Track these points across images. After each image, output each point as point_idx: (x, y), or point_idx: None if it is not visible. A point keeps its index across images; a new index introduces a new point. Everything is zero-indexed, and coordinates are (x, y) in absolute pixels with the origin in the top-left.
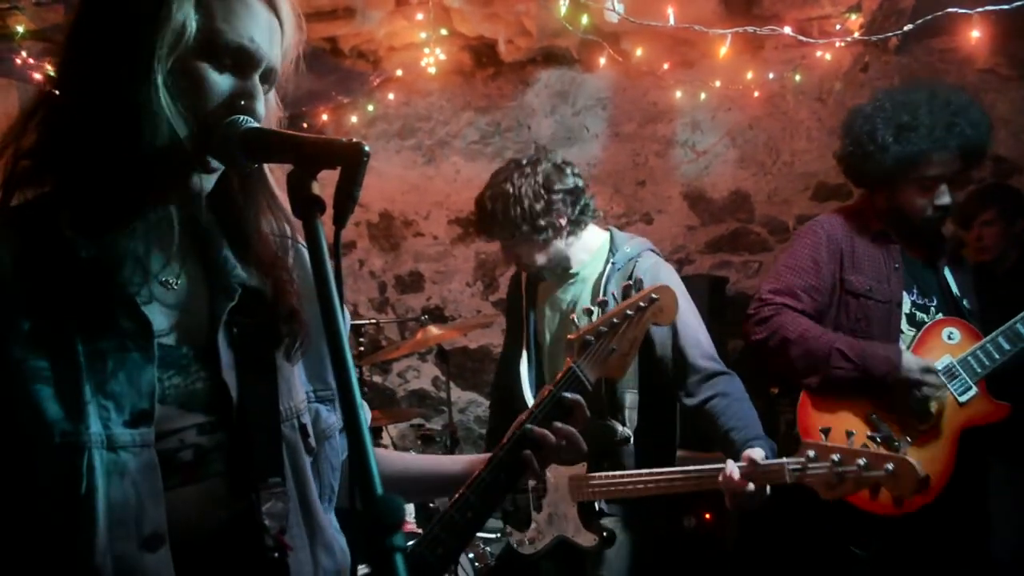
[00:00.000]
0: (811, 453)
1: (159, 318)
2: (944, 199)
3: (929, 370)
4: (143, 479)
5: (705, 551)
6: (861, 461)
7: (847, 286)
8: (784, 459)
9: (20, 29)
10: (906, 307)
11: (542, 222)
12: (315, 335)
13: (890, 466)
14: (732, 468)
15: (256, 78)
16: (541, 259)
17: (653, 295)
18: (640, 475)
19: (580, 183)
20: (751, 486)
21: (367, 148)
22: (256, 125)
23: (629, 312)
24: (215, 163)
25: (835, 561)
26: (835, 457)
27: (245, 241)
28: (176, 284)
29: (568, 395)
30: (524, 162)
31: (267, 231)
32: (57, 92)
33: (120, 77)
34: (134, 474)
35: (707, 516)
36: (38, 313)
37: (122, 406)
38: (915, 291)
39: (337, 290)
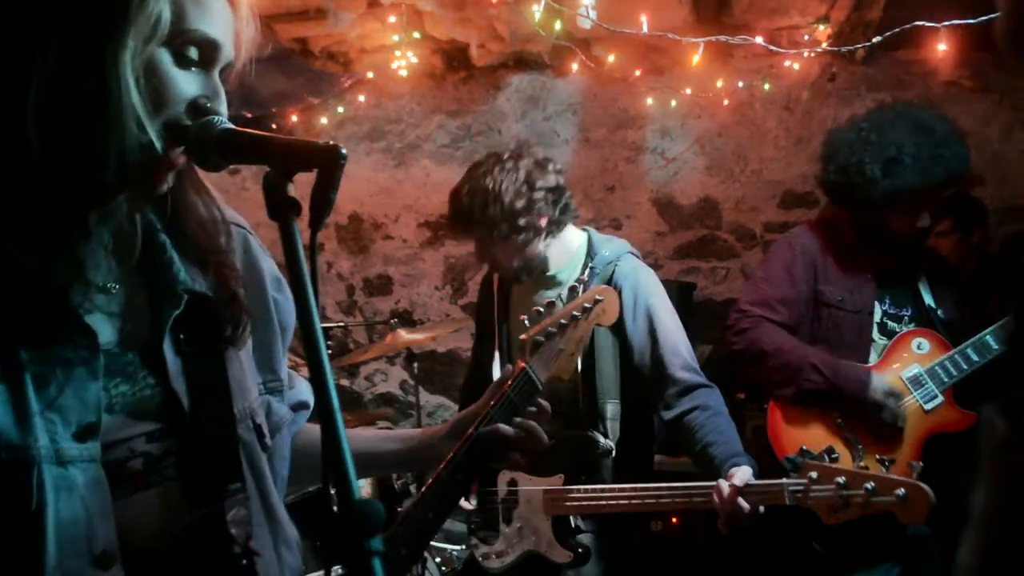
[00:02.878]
0: (814, 474)
1: (102, 326)
2: (925, 222)
3: (892, 394)
4: (92, 495)
5: (677, 555)
6: (869, 485)
7: (820, 297)
8: (784, 480)
9: None
10: (877, 316)
11: (522, 222)
12: (262, 325)
13: (901, 491)
14: (725, 487)
15: (217, 74)
16: (517, 261)
17: (597, 296)
18: (624, 490)
19: (561, 181)
20: (746, 506)
21: (344, 151)
22: (231, 126)
23: (576, 313)
24: (182, 163)
25: (799, 559)
26: (840, 480)
27: (184, 234)
28: (115, 289)
29: (519, 403)
30: (505, 156)
31: (203, 219)
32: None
33: (86, 65)
34: (82, 490)
35: (674, 520)
36: None
37: (68, 420)
38: (887, 301)
39: (314, 293)
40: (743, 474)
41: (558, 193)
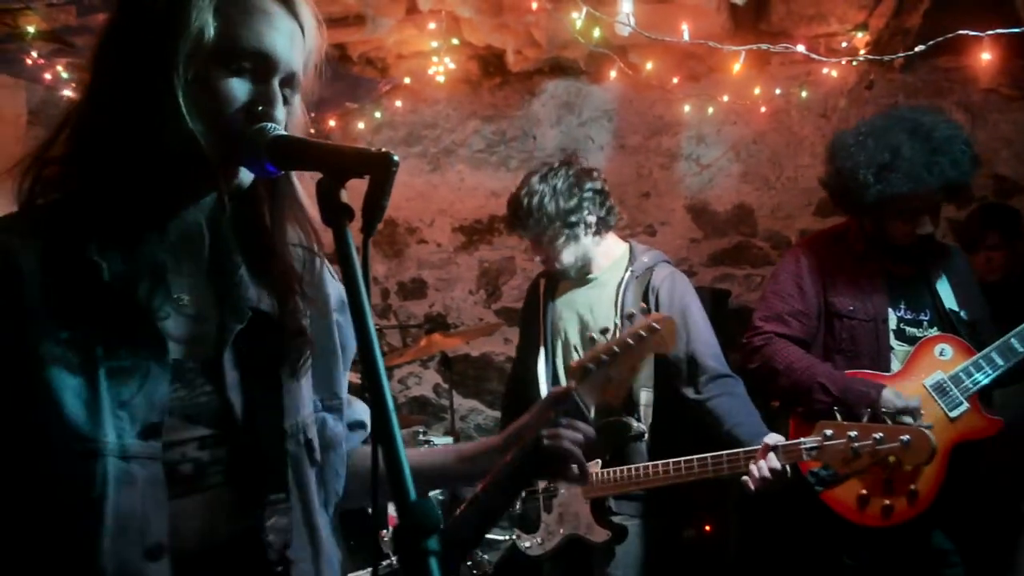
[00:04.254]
0: (828, 431)
1: (172, 333)
2: (926, 228)
3: (906, 411)
4: (149, 490)
5: (707, 560)
6: (877, 435)
7: (831, 308)
8: (802, 439)
9: (31, 29)
10: (892, 323)
11: (574, 218)
12: (323, 347)
13: (905, 437)
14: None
15: (275, 83)
16: (569, 257)
17: (655, 324)
18: (655, 466)
19: (606, 187)
20: (775, 462)
21: (396, 158)
22: (284, 133)
23: (630, 341)
24: (243, 172)
25: (828, 570)
26: (852, 433)
27: (263, 256)
28: (187, 299)
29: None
30: (555, 164)
31: (289, 244)
32: (85, 102)
33: (142, 86)
34: (141, 485)
35: (707, 528)
36: (62, 323)
37: (135, 418)
38: (902, 307)
39: (367, 296)
40: (774, 437)
41: (603, 196)
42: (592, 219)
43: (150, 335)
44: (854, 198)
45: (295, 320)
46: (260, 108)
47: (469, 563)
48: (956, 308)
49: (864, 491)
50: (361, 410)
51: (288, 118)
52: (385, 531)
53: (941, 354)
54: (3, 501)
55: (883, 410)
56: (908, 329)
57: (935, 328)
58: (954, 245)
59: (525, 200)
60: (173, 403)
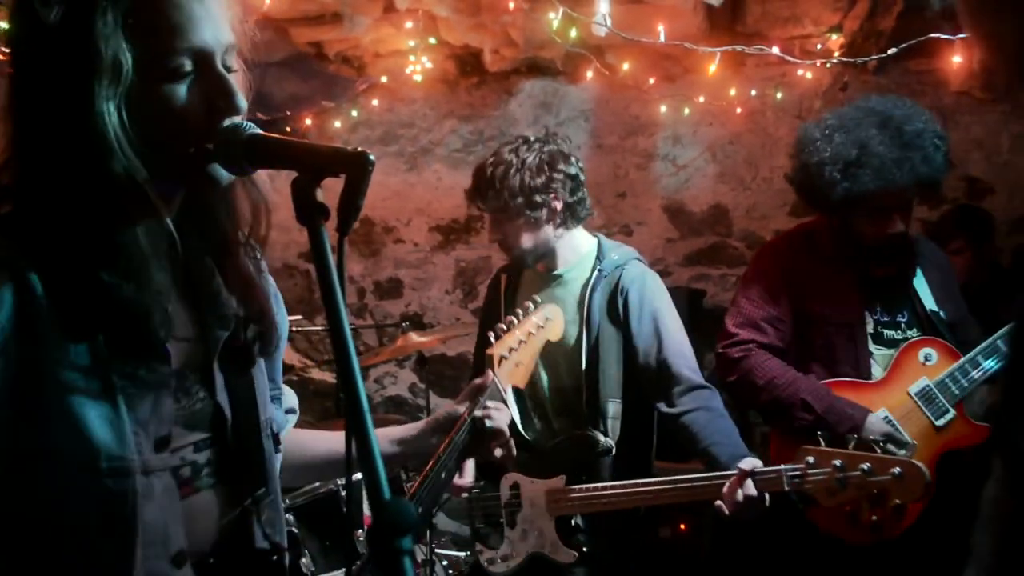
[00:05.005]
0: (810, 459)
1: (171, 349)
2: (897, 227)
3: (891, 439)
4: (166, 500)
5: (680, 561)
6: (865, 466)
7: (804, 313)
8: (782, 466)
9: (3, 25)
10: (869, 327)
11: (538, 198)
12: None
13: (897, 470)
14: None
15: (220, 67)
16: (527, 241)
17: (548, 315)
18: (626, 486)
19: (582, 176)
20: (751, 489)
21: (372, 157)
22: (259, 131)
23: (531, 332)
24: (219, 171)
25: (806, 569)
26: (837, 462)
27: (224, 254)
28: (176, 310)
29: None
30: (532, 138)
31: (241, 240)
32: (17, 138)
33: (72, 131)
34: (159, 496)
35: (682, 526)
36: (72, 340)
37: (149, 433)
38: (878, 309)
39: (342, 295)
40: (750, 461)
41: (576, 182)
42: (558, 205)
43: (157, 352)
44: (820, 196)
45: (258, 304)
46: (220, 103)
47: (445, 562)
48: (935, 308)
49: (850, 508)
50: (291, 396)
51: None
52: (360, 531)
53: (926, 359)
54: (28, 523)
55: (868, 436)
56: (886, 332)
57: (914, 330)
58: (928, 240)
59: (490, 169)
60: (176, 413)
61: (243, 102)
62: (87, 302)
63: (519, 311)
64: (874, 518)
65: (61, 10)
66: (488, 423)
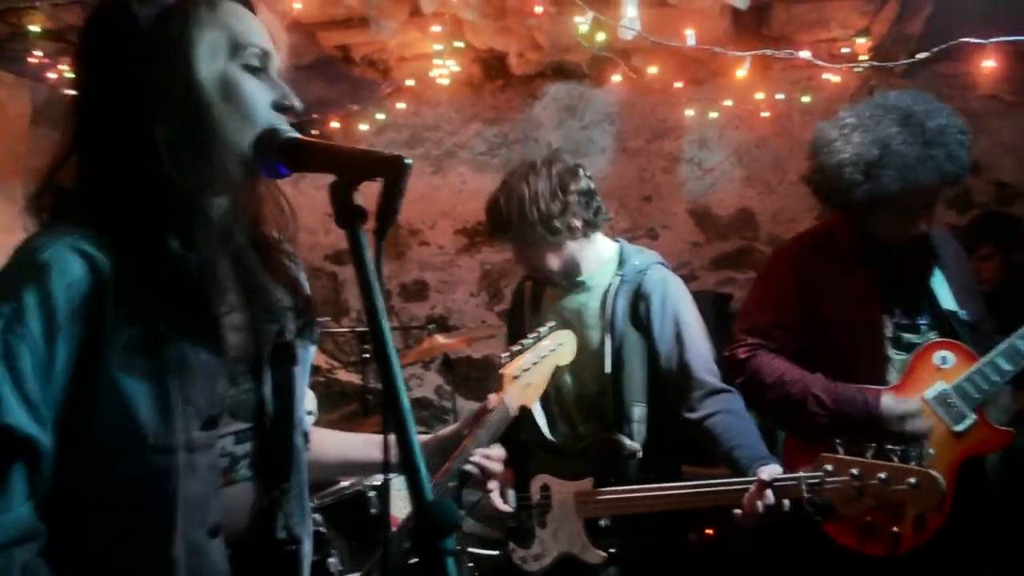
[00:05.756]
0: (828, 467)
1: (227, 334)
2: (921, 227)
3: (909, 415)
4: (208, 476)
5: (711, 566)
6: (882, 475)
7: (818, 317)
8: (801, 473)
9: (36, 28)
10: (888, 331)
11: (558, 223)
12: None
13: (913, 480)
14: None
15: (275, 76)
16: (554, 263)
17: (560, 340)
18: (650, 490)
19: (592, 186)
20: (770, 498)
21: (410, 161)
22: (296, 135)
23: (543, 354)
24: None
25: None
26: (854, 471)
27: (264, 250)
28: (234, 300)
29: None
30: (538, 163)
31: (278, 237)
32: (104, 117)
33: (179, 99)
34: (202, 472)
35: (709, 532)
36: (134, 319)
37: (199, 412)
38: (897, 312)
39: (382, 299)
40: (771, 470)
41: (590, 196)
42: (578, 223)
43: (214, 335)
44: (840, 197)
45: (301, 292)
46: (283, 100)
47: (471, 564)
48: (955, 308)
49: (869, 519)
50: (311, 399)
51: None
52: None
53: (942, 363)
54: (76, 495)
55: (881, 419)
56: (905, 336)
57: (934, 332)
58: (946, 234)
59: (504, 204)
60: (226, 399)
61: (299, 104)
62: (155, 285)
63: (532, 335)
64: (894, 530)
65: (160, 5)
66: (473, 476)
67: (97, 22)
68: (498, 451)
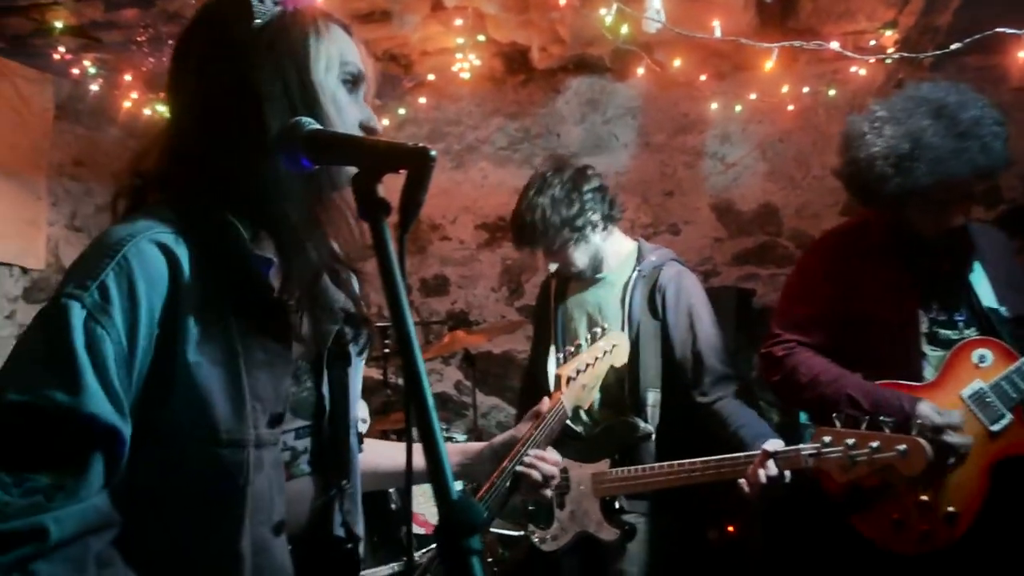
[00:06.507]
0: (826, 439)
1: (299, 333)
2: (956, 220)
3: (947, 427)
4: (273, 473)
5: (730, 560)
6: (874, 444)
7: (853, 312)
8: (800, 445)
9: (59, 24)
10: (924, 326)
11: (579, 222)
12: None
13: (902, 447)
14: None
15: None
16: (582, 259)
17: (614, 342)
18: (661, 467)
19: (603, 182)
20: (773, 469)
21: (434, 153)
22: (319, 127)
23: (598, 356)
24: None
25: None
26: (849, 441)
27: (328, 258)
28: (298, 302)
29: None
30: (548, 172)
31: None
32: (205, 108)
33: (297, 101)
34: (268, 468)
35: (730, 528)
36: (209, 314)
37: (266, 409)
38: (934, 308)
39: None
40: (773, 443)
41: (603, 192)
42: (597, 218)
43: (284, 334)
44: (872, 191)
45: (361, 311)
46: (370, 121)
47: (491, 559)
48: (995, 305)
49: (897, 516)
50: (363, 407)
51: None
52: (404, 528)
53: (980, 361)
54: (147, 487)
55: (917, 427)
56: (942, 332)
57: (972, 329)
58: (988, 226)
59: (528, 217)
60: (290, 397)
61: (380, 127)
62: (229, 281)
63: (588, 336)
64: (924, 527)
65: (276, 7)
66: (531, 477)
67: (216, 10)
68: (554, 456)
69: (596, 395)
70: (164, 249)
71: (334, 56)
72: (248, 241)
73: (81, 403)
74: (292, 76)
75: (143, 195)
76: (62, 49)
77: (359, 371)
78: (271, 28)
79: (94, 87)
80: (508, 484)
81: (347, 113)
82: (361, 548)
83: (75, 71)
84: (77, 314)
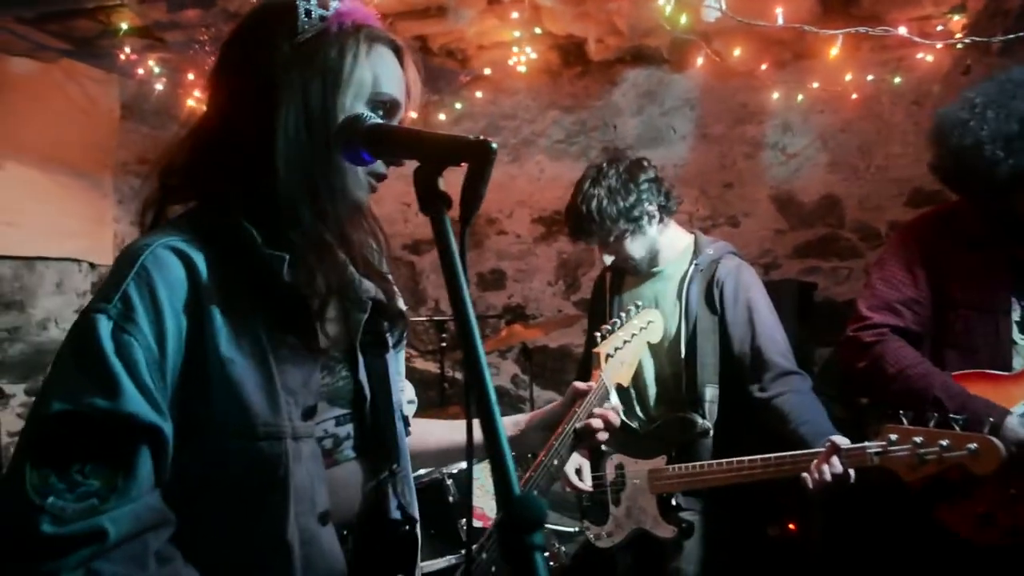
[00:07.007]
0: (893, 436)
1: (325, 327)
2: None
3: None
4: (313, 464)
5: (789, 557)
6: (944, 442)
7: (944, 297)
8: (866, 443)
9: (124, 25)
10: (1016, 315)
11: (636, 212)
12: None
13: (972, 445)
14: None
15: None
16: (639, 251)
17: (650, 319)
18: (719, 464)
19: (659, 174)
20: (838, 466)
21: (495, 146)
22: (380, 122)
23: (634, 332)
24: (375, 183)
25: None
26: (917, 439)
27: (353, 252)
28: (327, 296)
29: (597, 404)
30: (603, 165)
31: (367, 242)
32: (231, 116)
33: (315, 120)
34: (307, 460)
35: (791, 526)
36: (233, 316)
37: (299, 402)
38: None
39: (467, 286)
40: (838, 440)
41: (659, 183)
42: (653, 208)
43: (309, 329)
44: (981, 178)
45: (395, 303)
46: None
47: (546, 554)
48: None
49: (984, 510)
50: (410, 389)
51: None
52: (462, 521)
53: None
54: (193, 485)
55: (1007, 439)
56: None
57: None
58: None
59: (584, 207)
60: (321, 388)
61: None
62: (248, 281)
63: (623, 313)
64: (1010, 522)
65: (321, 25)
66: (594, 432)
67: (259, 24)
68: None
69: (651, 370)
70: (179, 253)
71: (367, 82)
72: (261, 241)
73: (120, 405)
74: (315, 97)
75: (166, 203)
76: (127, 50)
77: (399, 358)
78: (309, 45)
79: (158, 86)
80: (556, 463)
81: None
82: (418, 529)
83: (140, 71)
84: (104, 325)
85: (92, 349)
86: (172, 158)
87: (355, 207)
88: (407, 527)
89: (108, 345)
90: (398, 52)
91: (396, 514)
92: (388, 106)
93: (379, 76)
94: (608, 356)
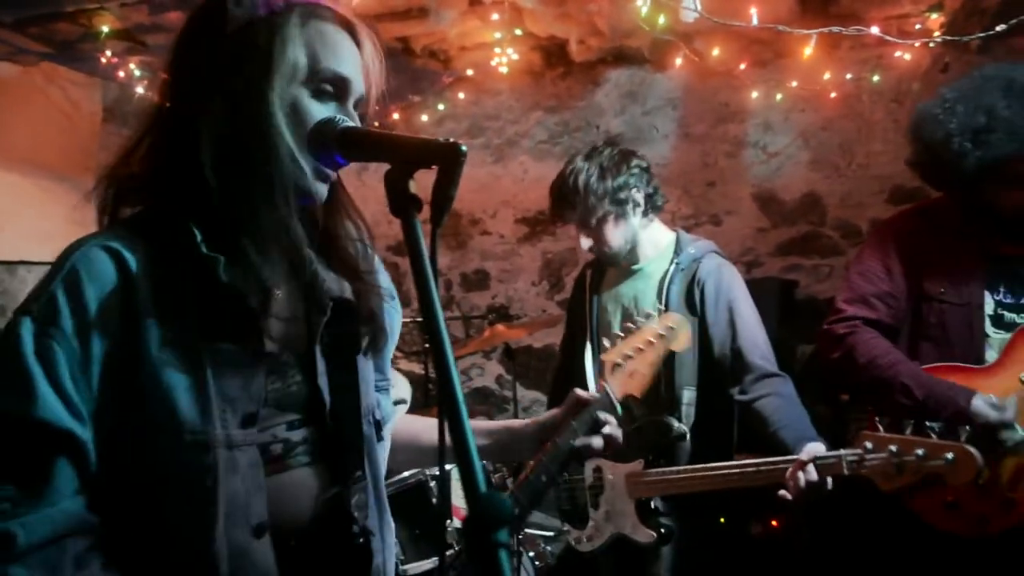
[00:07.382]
0: (868, 444)
1: (269, 329)
2: None
3: (1001, 424)
4: (250, 474)
5: (772, 556)
6: (920, 451)
7: (920, 290)
8: (842, 451)
9: (105, 28)
10: (989, 308)
11: (622, 195)
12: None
13: (949, 455)
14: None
15: (351, 105)
16: (618, 239)
17: (671, 324)
18: (696, 470)
19: (648, 165)
20: (813, 475)
21: (464, 148)
22: (353, 124)
23: (651, 340)
24: (327, 171)
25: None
26: (893, 448)
27: (328, 249)
28: (279, 296)
29: (601, 416)
30: (595, 147)
31: (351, 238)
32: (172, 121)
33: (243, 110)
34: (244, 469)
35: (774, 523)
36: (168, 318)
37: (236, 410)
38: (1001, 290)
39: (436, 289)
40: (813, 448)
41: (648, 174)
42: (640, 197)
43: (252, 332)
44: (951, 171)
45: (367, 305)
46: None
47: (532, 554)
48: None
49: (952, 499)
50: (401, 387)
51: None
52: (450, 521)
53: None
54: (119, 494)
55: (976, 421)
56: (1007, 315)
57: None
58: None
59: (571, 179)
60: (269, 394)
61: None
62: (185, 282)
63: (639, 319)
64: (979, 511)
65: (251, 12)
66: (595, 453)
67: (193, 22)
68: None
69: (688, 392)
70: (111, 251)
71: (301, 62)
72: (201, 240)
73: (33, 411)
74: (241, 84)
75: (118, 206)
76: (108, 53)
77: (387, 359)
78: (240, 35)
79: (140, 90)
80: (544, 479)
81: (311, 122)
82: (378, 543)
83: (121, 74)
84: (27, 328)
85: (11, 353)
86: (122, 161)
87: (304, 199)
88: (361, 539)
89: (28, 348)
90: (350, 29)
91: (356, 528)
92: (337, 84)
93: (317, 53)
94: (616, 365)
